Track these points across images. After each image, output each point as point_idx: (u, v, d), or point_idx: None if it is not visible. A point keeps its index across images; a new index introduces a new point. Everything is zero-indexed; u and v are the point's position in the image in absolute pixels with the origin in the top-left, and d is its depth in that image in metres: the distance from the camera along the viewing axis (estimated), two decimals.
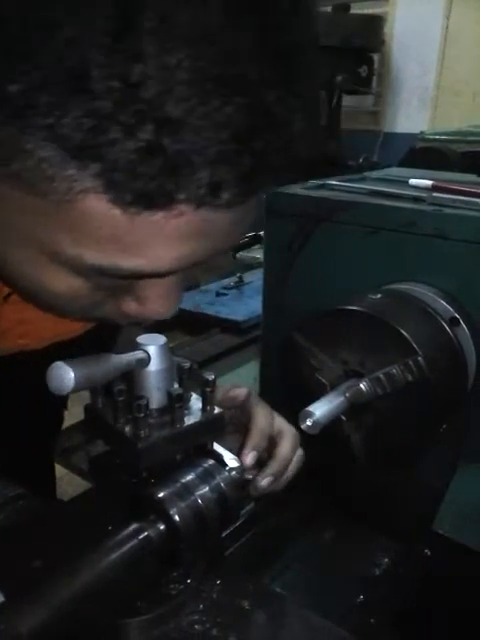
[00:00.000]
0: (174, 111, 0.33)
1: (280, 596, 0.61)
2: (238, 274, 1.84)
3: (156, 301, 0.48)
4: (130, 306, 0.49)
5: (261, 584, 0.59)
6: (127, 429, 0.55)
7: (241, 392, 0.69)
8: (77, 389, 0.47)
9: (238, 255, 1.77)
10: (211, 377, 0.58)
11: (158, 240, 0.39)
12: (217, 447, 0.61)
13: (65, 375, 0.45)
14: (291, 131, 0.37)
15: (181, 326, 1.79)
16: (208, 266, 0.50)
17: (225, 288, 1.80)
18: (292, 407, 0.79)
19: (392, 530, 0.83)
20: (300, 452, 0.70)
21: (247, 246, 1.60)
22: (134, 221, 0.37)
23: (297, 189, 0.94)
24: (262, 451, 0.67)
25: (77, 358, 0.48)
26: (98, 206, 0.36)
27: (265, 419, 0.67)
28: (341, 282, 0.88)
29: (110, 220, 0.37)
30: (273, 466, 0.66)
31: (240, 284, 1.80)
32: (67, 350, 0.70)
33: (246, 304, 1.68)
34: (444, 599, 0.73)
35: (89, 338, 0.74)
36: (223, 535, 0.81)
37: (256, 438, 0.66)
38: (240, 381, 1.49)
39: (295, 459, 0.69)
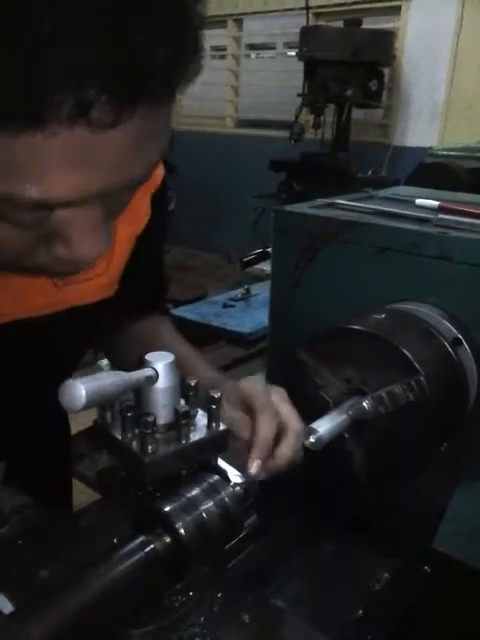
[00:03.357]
0: (37, 29, 0.35)
1: (280, 610, 0.62)
2: (245, 286, 1.86)
3: (81, 242, 0.49)
4: (58, 251, 0.50)
5: (261, 597, 0.60)
6: (134, 444, 0.56)
7: (252, 393, 0.69)
8: (88, 406, 0.49)
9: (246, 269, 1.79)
10: (217, 394, 0.60)
11: (47, 164, 0.40)
12: (222, 463, 0.62)
13: (76, 392, 0.47)
14: (156, 55, 0.39)
15: (188, 337, 1.81)
16: (118, 203, 0.52)
17: (232, 300, 1.82)
18: None
19: (393, 545, 0.84)
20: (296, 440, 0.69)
21: (255, 262, 1.62)
22: (16, 144, 0.39)
23: (305, 208, 0.96)
24: (267, 458, 0.67)
25: (89, 375, 0.50)
26: None
27: (269, 426, 0.67)
28: (346, 300, 0.89)
29: None
30: (275, 463, 0.67)
31: (247, 296, 1.82)
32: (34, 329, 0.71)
33: (253, 316, 1.70)
34: (443, 617, 0.74)
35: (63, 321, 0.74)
36: (226, 548, 0.82)
37: (260, 448, 0.66)
38: None
39: (291, 444, 0.68)
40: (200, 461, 0.60)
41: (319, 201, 1.01)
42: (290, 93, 4.63)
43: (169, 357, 0.59)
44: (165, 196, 0.86)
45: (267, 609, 0.61)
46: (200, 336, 1.73)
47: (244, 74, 5.91)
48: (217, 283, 4.09)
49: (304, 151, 4.41)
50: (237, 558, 0.85)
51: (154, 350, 0.85)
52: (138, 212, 0.77)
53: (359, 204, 0.96)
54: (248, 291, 1.85)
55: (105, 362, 1.78)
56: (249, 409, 0.69)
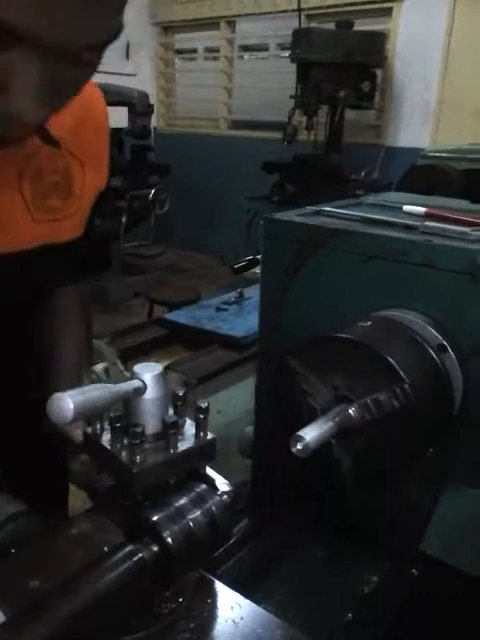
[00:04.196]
0: None
1: (269, 615, 0.63)
2: (238, 290, 1.87)
3: (21, 97, 0.53)
4: (3, 102, 0.53)
5: (251, 603, 0.61)
6: (123, 454, 0.58)
7: None
8: (76, 419, 0.50)
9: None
10: (205, 404, 0.61)
11: None
12: (210, 471, 0.63)
13: (65, 406, 0.48)
14: None
15: (181, 341, 1.82)
16: (66, 81, 0.56)
17: (225, 303, 1.82)
18: (284, 426, 0.82)
19: (381, 549, 0.85)
20: None
21: (246, 269, 1.63)
22: None
23: (293, 216, 0.97)
24: None
25: (77, 388, 0.51)
26: None
27: None
28: (334, 306, 0.90)
29: None
30: None
31: (240, 300, 1.83)
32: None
33: (246, 320, 1.70)
34: (431, 619, 0.75)
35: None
36: (215, 554, 0.83)
37: None
38: (238, 397, 1.52)
39: None
40: (188, 470, 0.61)
41: (307, 208, 1.02)
42: (283, 94, 4.65)
43: (157, 368, 0.60)
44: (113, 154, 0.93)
45: (256, 614, 0.62)
46: (193, 340, 1.74)
47: (237, 76, 5.92)
48: (211, 285, 4.11)
49: (297, 152, 4.43)
50: (227, 563, 0.86)
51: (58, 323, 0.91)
52: (102, 162, 0.87)
53: (347, 211, 0.97)
54: (241, 295, 1.86)
55: (100, 367, 1.78)
56: None
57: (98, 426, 0.61)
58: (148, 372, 0.59)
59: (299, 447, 0.68)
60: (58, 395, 0.48)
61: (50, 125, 0.74)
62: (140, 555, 0.50)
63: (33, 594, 0.52)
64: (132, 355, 1.72)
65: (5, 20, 0.46)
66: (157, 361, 1.73)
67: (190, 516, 0.53)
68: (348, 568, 0.87)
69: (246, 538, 0.90)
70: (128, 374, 1.71)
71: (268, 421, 1.05)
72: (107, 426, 0.60)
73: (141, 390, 0.58)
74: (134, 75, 5.59)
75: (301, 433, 0.68)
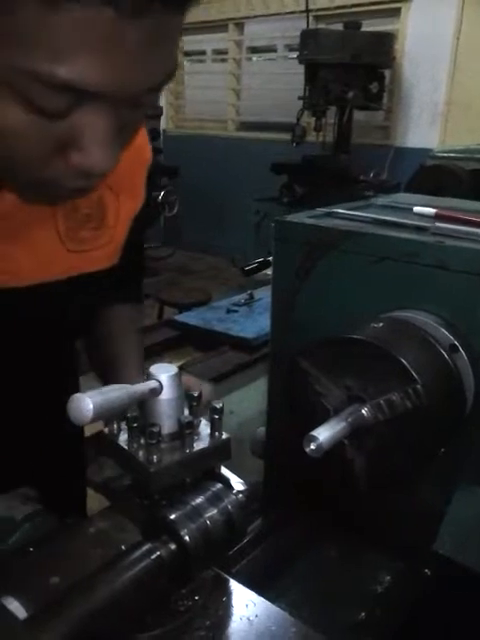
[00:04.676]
0: None
1: (283, 613, 0.64)
2: (249, 291, 1.87)
3: (95, 149, 0.54)
4: (73, 158, 0.55)
5: (265, 602, 0.62)
6: (140, 454, 0.59)
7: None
8: (95, 419, 0.51)
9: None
10: (219, 405, 0.62)
11: (78, 42, 0.46)
12: (225, 470, 0.64)
13: (84, 406, 0.49)
14: None
15: (192, 343, 1.83)
16: (129, 123, 0.56)
17: (236, 305, 1.83)
18: (296, 427, 0.82)
19: (395, 549, 0.86)
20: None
21: (257, 270, 1.64)
22: (54, 17, 0.44)
23: (304, 218, 0.97)
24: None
25: (95, 389, 0.52)
26: (24, 3, 0.43)
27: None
28: (346, 308, 0.91)
29: (34, 16, 0.44)
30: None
31: (251, 301, 1.84)
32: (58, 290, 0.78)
33: (256, 321, 1.71)
34: (443, 619, 0.75)
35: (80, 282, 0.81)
36: (230, 553, 0.84)
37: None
38: (249, 398, 1.53)
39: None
40: (204, 469, 0.62)
41: (318, 210, 1.03)
42: (291, 96, 4.65)
43: (172, 369, 0.61)
44: (152, 182, 0.93)
45: (271, 612, 0.63)
46: (203, 342, 1.75)
47: (245, 77, 5.93)
48: (221, 286, 4.12)
49: (306, 154, 4.43)
50: (241, 562, 0.87)
51: (113, 339, 0.93)
52: (138, 188, 0.85)
53: (358, 213, 0.98)
54: (251, 296, 1.87)
55: None
56: None
57: (115, 426, 0.62)
58: (164, 373, 0.60)
59: (313, 447, 0.69)
60: (78, 395, 0.49)
61: None
62: (158, 553, 0.50)
63: (53, 591, 0.53)
64: (144, 356, 1.74)
65: (72, 82, 0.47)
66: (169, 362, 1.74)
67: (207, 514, 0.54)
68: (361, 568, 0.87)
69: (259, 538, 0.90)
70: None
71: (280, 422, 1.05)
72: (124, 426, 0.61)
73: (157, 391, 0.59)
74: None
75: (314, 433, 0.69)
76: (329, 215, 1.02)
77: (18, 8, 0.44)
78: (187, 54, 6.35)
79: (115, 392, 0.52)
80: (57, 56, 0.46)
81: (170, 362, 1.71)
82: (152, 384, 0.58)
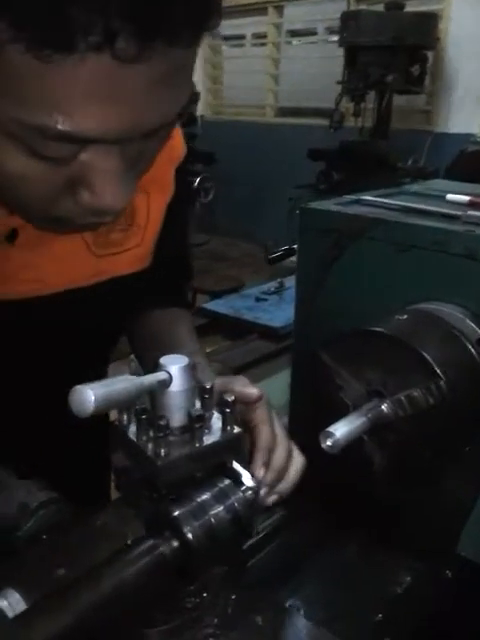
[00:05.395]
0: None
1: (294, 612, 0.62)
2: (278, 279, 1.85)
3: (104, 189, 0.51)
4: (82, 198, 0.52)
5: (275, 600, 0.61)
6: (149, 447, 0.57)
7: (253, 394, 0.69)
8: (98, 412, 0.49)
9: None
10: (231, 398, 0.60)
11: (74, 94, 0.43)
12: (236, 465, 0.62)
13: (85, 398, 0.48)
14: None
15: (220, 330, 1.82)
16: (141, 156, 0.53)
17: (265, 293, 1.81)
18: (317, 420, 0.80)
19: (416, 549, 0.83)
20: (299, 459, 0.71)
21: (282, 258, 1.61)
22: (47, 69, 0.41)
23: (330, 205, 0.94)
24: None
25: (98, 381, 0.50)
26: (15, 56, 0.41)
27: (270, 434, 0.68)
28: (372, 298, 0.88)
29: (26, 69, 0.41)
30: (268, 477, 0.67)
31: (281, 289, 1.81)
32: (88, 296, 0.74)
33: (285, 310, 1.69)
34: (463, 623, 0.73)
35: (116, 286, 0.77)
36: (244, 548, 0.83)
37: (264, 454, 0.67)
38: (274, 389, 1.51)
39: (294, 467, 0.70)
40: (214, 464, 0.60)
41: (346, 197, 1.00)
42: (330, 80, 4.57)
43: (183, 360, 0.59)
44: (186, 173, 0.88)
45: (281, 611, 0.61)
46: (232, 330, 1.74)
47: (284, 62, 5.85)
48: (254, 274, 4.09)
49: (343, 139, 4.35)
50: (256, 556, 0.85)
51: (165, 344, 0.88)
52: (167, 182, 0.80)
53: (387, 200, 0.95)
54: (282, 284, 1.84)
55: None
56: (249, 411, 0.69)
57: (125, 417, 0.61)
58: (174, 364, 0.58)
59: (329, 443, 0.67)
60: (79, 387, 0.48)
61: None
62: (160, 550, 0.49)
63: (56, 583, 0.52)
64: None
65: (69, 134, 0.45)
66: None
67: (212, 512, 0.52)
68: (380, 567, 0.85)
69: (276, 532, 0.89)
70: None
71: (302, 414, 1.03)
72: (133, 418, 0.60)
73: (167, 382, 0.57)
74: None
75: (331, 429, 0.67)
76: (357, 202, 0.98)
77: (7, 58, 0.41)
78: (226, 38, 6.29)
79: (120, 383, 0.51)
80: (51, 108, 0.43)
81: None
82: (161, 375, 0.57)
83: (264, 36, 5.89)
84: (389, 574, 0.79)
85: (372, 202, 0.96)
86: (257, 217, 5.61)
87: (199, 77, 5.67)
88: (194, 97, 4.68)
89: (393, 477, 0.76)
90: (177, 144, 0.82)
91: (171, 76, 0.46)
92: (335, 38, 4.59)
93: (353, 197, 1.00)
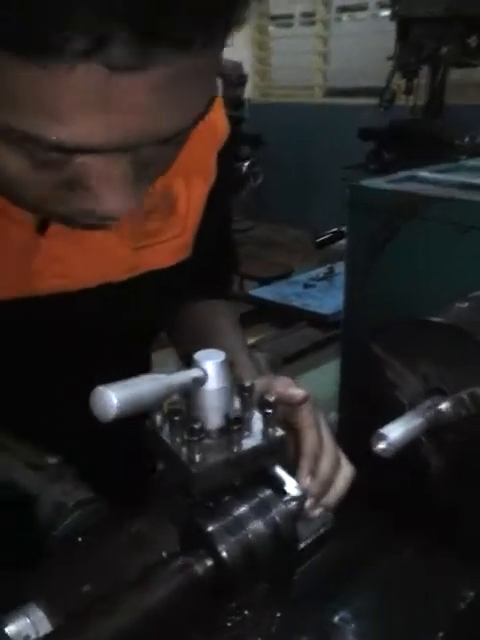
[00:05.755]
0: None
1: (344, 631, 0.57)
2: (328, 265, 1.77)
3: (103, 195, 0.47)
4: (85, 201, 0.48)
5: (322, 617, 0.55)
6: (183, 451, 0.52)
7: (298, 395, 0.63)
8: (122, 415, 0.45)
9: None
10: (272, 398, 0.55)
11: (69, 103, 0.39)
12: (279, 472, 0.57)
13: (108, 402, 0.43)
14: None
15: (268, 318, 1.76)
16: (154, 160, 0.49)
17: (314, 279, 1.74)
18: (368, 417, 0.74)
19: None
20: (348, 468, 0.64)
21: (330, 242, 1.53)
22: (38, 76, 0.37)
23: (382, 182, 0.87)
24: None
25: (122, 381, 0.46)
26: (3, 59, 0.37)
27: (316, 439, 0.62)
28: (428, 284, 0.81)
29: (16, 74, 0.38)
30: (313, 487, 0.61)
31: (330, 275, 1.74)
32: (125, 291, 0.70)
33: (335, 297, 1.61)
34: None
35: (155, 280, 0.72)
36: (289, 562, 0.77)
37: (309, 461, 0.61)
38: (323, 379, 1.44)
39: (342, 477, 0.64)
40: (255, 470, 0.55)
41: (399, 174, 0.92)
42: (381, 57, 4.40)
43: (220, 356, 0.54)
44: (231, 158, 0.82)
45: (329, 628, 0.56)
46: (280, 317, 1.68)
47: (333, 40, 5.68)
48: (304, 260, 4.01)
49: (394, 118, 4.19)
50: (303, 565, 0.80)
51: (204, 338, 0.82)
52: (208, 168, 0.75)
53: (444, 177, 0.87)
54: (331, 270, 1.77)
55: None
56: (293, 412, 0.63)
57: (158, 417, 0.56)
58: (210, 359, 0.53)
59: (382, 446, 0.61)
60: (100, 389, 0.43)
61: None
62: (193, 569, 0.44)
63: (81, 601, 0.48)
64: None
65: (64, 145, 0.41)
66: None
67: (250, 526, 0.47)
68: (440, 580, 0.78)
69: (325, 538, 0.83)
70: None
71: (353, 408, 0.97)
72: (167, 419, 0.55)
73: (201, 380, 0.52)
74: (228, 45, 5.50)
75: (384, 431, 0.61)
76: (411, 179, 0.91)
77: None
78: (273, 18, 6.15)
79: (146, 384, 0.46)
80: (45, 118, 0.40)
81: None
82: (195, 373, 0.52)
83: (313, 14, 5.74)
84: (450, 585, 0.73)
85: (427, 179, 0.89)
86: (306, 201, 5.49)
87: (246, 59, 5.56)
88: (242, 80, 4.60)
89: (452, 479, 0.70)
90: (219, 127, 0.76)
91: (181, 82, 0.41)
92: (386, 12, 4.41)
93: (407, 174, 0.92)
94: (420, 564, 0.77)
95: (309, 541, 0.61)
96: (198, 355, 0.54)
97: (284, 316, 1.68)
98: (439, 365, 0.66)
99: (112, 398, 0.43)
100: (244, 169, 4.45)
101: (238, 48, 5.68)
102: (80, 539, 0.65)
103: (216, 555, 0.45)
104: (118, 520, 0.63)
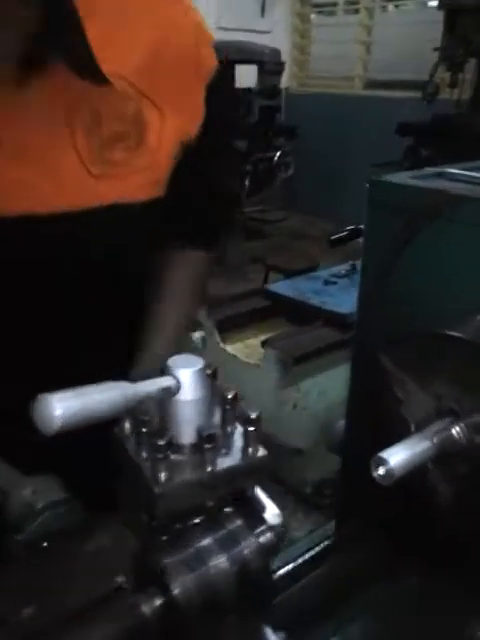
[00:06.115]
0: None
1: None
2: (351, 262, 1.69)
3: None
4: None
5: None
6: (148, 467, 0.46)
7: None
8: (70, 427, 0.39)
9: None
10: (254, 415, 0.48)
11: None
12: (260, 495, 0.51)
13: (49, 412, 0.37)
14: None
15: (285, 314, 1.69)
16: None
17: (335, 276, 1.66)
18: (376, 433, 0.67)
19: None
20: None
21: (345, 241, 1.44)
22: None
23: (406, 178, 0.79)
24: None
25: (74, 389, 0.40)
26: None
27: None
28: (449, 292, 0.73)
29: None
30: None
31: (352, 272, 1.66)
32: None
33: (354, 295, 1.53)
34: None
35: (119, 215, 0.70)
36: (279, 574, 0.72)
37: None
38: (335, 382, 1.37)
39: None
40: (230, 492, 0.49)
41: (427, 170, 0.84)
42: (426, 49, 4.25)
43: (197, 363, 0.48)
44: (224, 98, 0.80)
45: None
46: (295, 314, 1.60)
47: (377, 29, 5.52)
48: (332, 256, 3.91)
49: (436, 113, 4.04)
50: (300, 582, 0.73)
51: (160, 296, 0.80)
52: (191, 103, 0.72)
53: (476, 174, 0.78)
54: (354, 267, 1.69)
55: (197, 335, 1.70)
56: None
57: (128, 426, 0.50)
58: (185, 367, 0.47)
59: (381, 472, 0.54)
60: (44, 397, 0.38)
61: (112, 60, 0.62)
62: (140, 610, 0.38)
63: (22, 624, 0.43)
64: (231, 326, 1.62)
65: None
66: (255, 335, 1.62)
67: (212, 562, 0.41)
68: (446, 607, 0.71)
69: (326, 553, 0.76)
70: (223, 346, 1.59)
71: (360, 417, 0.90)
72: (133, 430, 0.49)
73: (173, 389, 0.46)
74: (268, 32, 5.39)
75: (385, 454, 0.53)
76: (440, 176, 0.83)
77: None
78: (316, 6, 6.01)
79: (100, 394, 0.40)
80: None
81: (256, 335, 1.58)
82: (166, 381, 0.46)
83: (357, 2, 5.59)
84: (457, 616, 0.65)
85: (458, 176, 0.80)
86: (339, 195, 5.36)
87: (285, 47, 5.44)
88: (279, 68, 4.49)
89: (461, 511, 0.62)
90: (205, 60, 0.72)
91: None
92: (434, 2, 4.26)
93: (435, 170, 0.84)
94: (424, 588, 0.71)
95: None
96: (172, 361, 0.47)
97: (301, 313, 1.61)
98: (454, 384, 0.58)
99: (55, 409, 0.37)
100: (276, 159, 4.35)
101: (278, 36, 5.57)
102: (45, 544, 0.60)
103: (168, 594, 0.39)
104: (82, 530, 0.58)
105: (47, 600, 0.45)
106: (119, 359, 0.78)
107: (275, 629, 0.53)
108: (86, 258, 0.72)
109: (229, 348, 1.56)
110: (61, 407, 0.37)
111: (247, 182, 4.22)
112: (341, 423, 1.05)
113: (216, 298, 1.74)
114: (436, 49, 3.96)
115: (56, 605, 0.44)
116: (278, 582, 0.70)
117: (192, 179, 0.74)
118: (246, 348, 1.60)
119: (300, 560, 0.78)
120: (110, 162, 0.67)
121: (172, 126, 0.70)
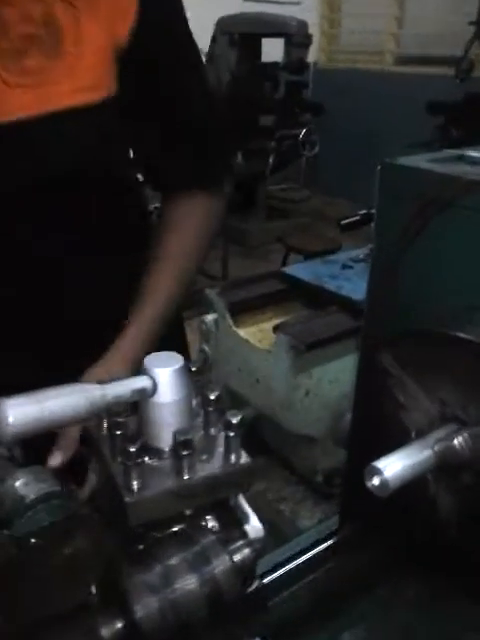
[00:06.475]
0: None
1: None
2: (370, 245, 1.63)
3: None
4: None
5: None
6: (120, 472, 0.43)
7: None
8: (25, 434, 0.36)
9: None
10: (236, 419, 0.45)
11: None
12: (242, 503, 0.47)
13: (1, 418, 0.34)
14: None
15: (301, 297, 1.65)
16: None
17: (354, 260, 1.61)
18: (378, 436, 0.64)
19: None
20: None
21: (354, 226, 1.38)
22: None
23: (421, 161, 0.74)
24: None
25: (33, 393, 0.37)
26: None
27: None
28: (462, 284, 0.68)
29: None
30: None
31: (371, 256, 1.60)
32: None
33: None
34: None
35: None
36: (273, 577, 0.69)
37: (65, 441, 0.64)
38: (346, 371, 1.32)
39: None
40: (209, 501, 0.46)
41: (446, 152, 0.79)
42: (461, 23, 4.10)
43: (176, 361, 0.44)
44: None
45: None
46: (311, 299, 1.56)
47: (410, 3, 5.34)
48: (356, 238, 3.83)
49: (470, 91, 3.90)
50: (294, 586, 0.71)
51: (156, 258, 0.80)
52: (118, 6, 0.68)
53: None
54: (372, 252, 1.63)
55: (210, 317, 1.67)
56: None
57: (105, 425, 0.47)
58: (162, 367, 0.43)
59: (375, 483, 0.50)
60: None
61: None
62: (98, 634, 0.35)
63: None
64: (244, 309, 1.58)
65: None
66: (270, 318, 1.57)
67: (178, 584, 0.38)
68: (446, 617, 0.68)
69: (318, 561, 0.73)
70: (235, 329, 1.55)
71: (365, 417, 0.86)
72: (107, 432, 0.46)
73: (148, 391, 0.43)
74: (298, 4, 5.24)
75: (379, 464, 0.50)
76: (459, 159, 0.77)
77: None
78: None
79: (61, 398, 0.37)
80: None
81: (270, 318, 1.52)
82: (140, 382, 0.42)
83: None
84: (459, 625, 0.62)
85: (478, 160, 0.75)
86: (365, 176, 5.23)
87: (314, 20, 5.28)
88: (307, 40, 4.35)
89: (464, 524, 0.59)
90: None
91: None
92: None
93: (455, 152, 0.78)
94: (425, 600, 0.67)
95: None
96: (149, 360, 0.44)
97: (317, 297, 1.56)
98: (462, 391, 0.54)
99: (7, 415, 0.34)
100: (301, 137, 4.25)
101: (307, 7, 5.41)
102: (33, 540, 0.58)
103: (130, 617, 0.36)
104: (61, 531, 0.56)
105: (14, 612, 0.42)
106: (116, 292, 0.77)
107: (264, 637, 0.50)
108: (42, 174, 0.69)
109: (242, 332, 1.53)
110: (14, 414, 0.34)
111: (271, 159, 4.14)
112: (348, 417, 1.01)
113: (230, 280, 1.71)
114: (471, 23, 3.81)
115: (22, 616, 0.41)
116: (271, 585, 0.68)
117: (148, 77, 0.72)
118: (260, 332, 1.57)
119: (294, 564, 0.75)
120: (26, 71, 0.64)
121: (91, 29, 0.66)
